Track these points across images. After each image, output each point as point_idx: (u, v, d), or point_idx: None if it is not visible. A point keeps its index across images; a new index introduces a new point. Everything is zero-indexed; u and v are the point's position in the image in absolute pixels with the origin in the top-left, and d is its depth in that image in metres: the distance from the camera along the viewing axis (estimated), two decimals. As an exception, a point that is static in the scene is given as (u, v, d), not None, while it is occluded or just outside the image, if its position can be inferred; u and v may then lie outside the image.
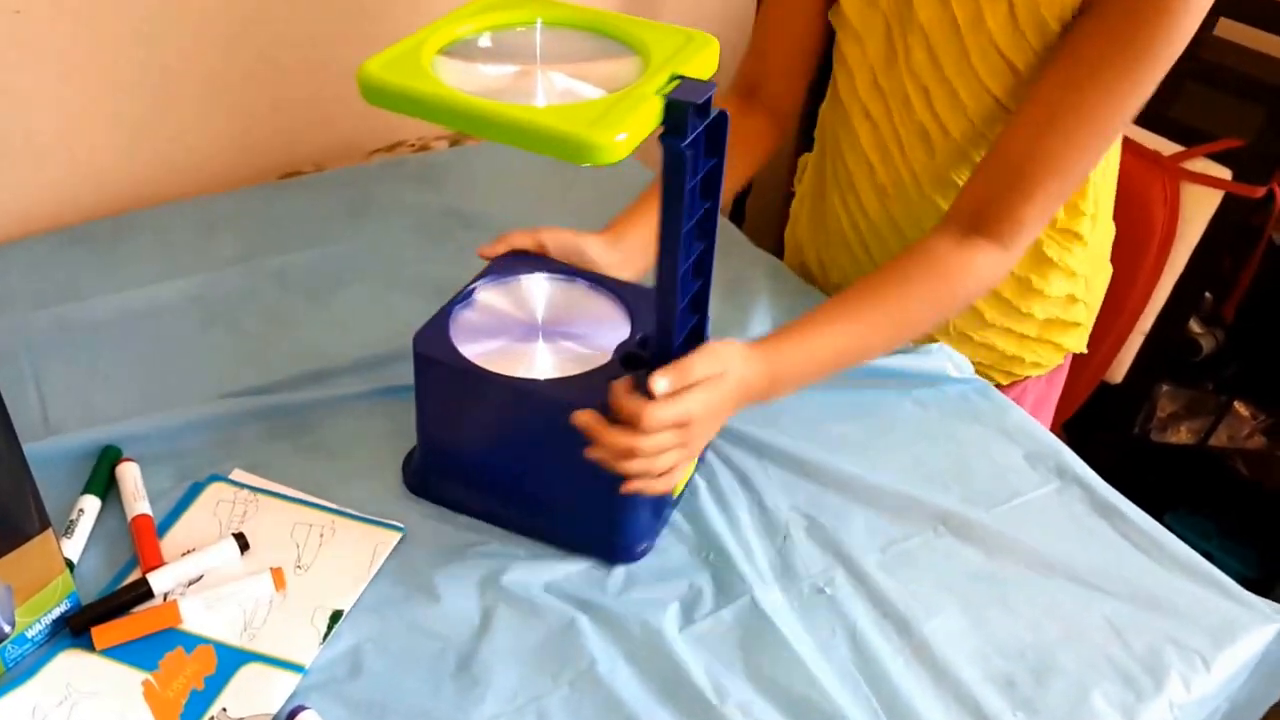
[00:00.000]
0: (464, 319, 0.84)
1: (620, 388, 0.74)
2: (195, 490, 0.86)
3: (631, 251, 0.92)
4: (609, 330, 0.84)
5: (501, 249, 0.89)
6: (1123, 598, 0.85)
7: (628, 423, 0.73)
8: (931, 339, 1.08)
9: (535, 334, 0.84)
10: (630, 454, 0.73)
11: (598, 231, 0.93)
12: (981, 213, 0.89)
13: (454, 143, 1.47)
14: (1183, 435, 1.51)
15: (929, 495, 0.92)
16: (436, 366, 0.81)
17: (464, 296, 0.86)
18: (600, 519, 0.83)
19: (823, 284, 1.18)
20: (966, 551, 0.88)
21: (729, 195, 0.98)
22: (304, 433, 0.92)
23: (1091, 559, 0.88)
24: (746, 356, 0.79)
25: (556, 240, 0.89)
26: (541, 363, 0.81)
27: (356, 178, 1.32)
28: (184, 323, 1.05)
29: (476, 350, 0.81)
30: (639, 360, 0.80)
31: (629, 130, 0.61)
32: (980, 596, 0.84)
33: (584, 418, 0.74)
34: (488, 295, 0.87)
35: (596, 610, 0.79)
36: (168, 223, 1.19)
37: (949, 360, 1.04)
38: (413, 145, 1.45)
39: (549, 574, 0.82)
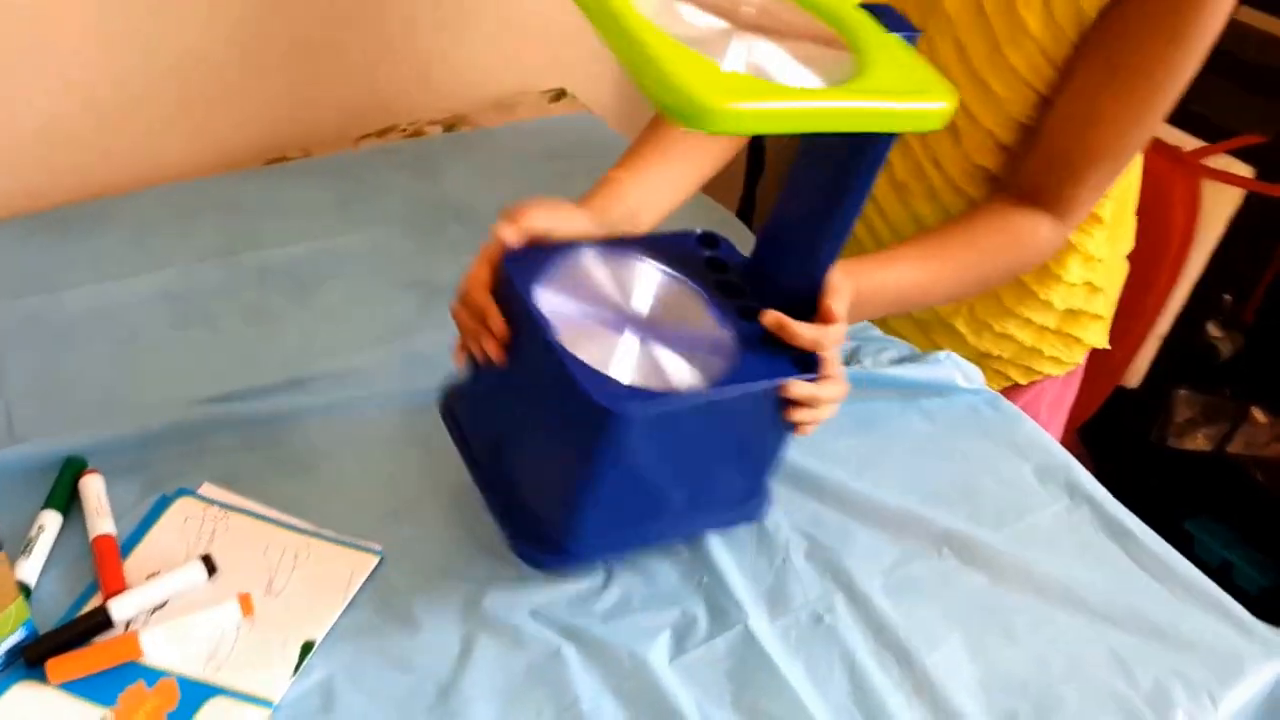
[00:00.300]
0: (572, 345, 0.69)
1: (815, 333, 0.72)
2: (162, 505, 0.82)
3: (618, 223, 0.85)
4: (683, 293, 0.77)
5: (524, 226, 0.75)
6: (1130, 628, 0.81)
7: (832, 348, 0.73)
8: (952, 327, 1.05)
9: (625, 320, 0.73)
10: (842, 395, 0.75)
11: (585, 204, 0.84)
12: (1035, 193, 0.90)
13: (448, 128, 1.42)
14: (1200, 442, 1.46)
15: (934, 513, 0.88)
16: (645, 424, 0.68)
17: (536, 319, 0.70)
18: (755, 482, 0.82)
19: None
20: (971, 576, 0.84)
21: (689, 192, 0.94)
22: (280, 444, 0.88)
23: (1099, 585, 0.83)
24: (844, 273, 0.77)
25: (570, 226, 0.79)
26: (674, 356, 0.71)
27: (345, 165, 1.27)
28: (158, 321, 1.00)
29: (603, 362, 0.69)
30: (751, 310, 0.75)
31: (946, 85, 0.60)
32: (984, 625, 0.80)
33: (804, 388, 0.72)
34: (558, 302, 0.72)
35: (583, 639, 0.75)
36: (145, 210, 1.14)
37: (958, 370, 0.99)
38: (404, 130, 1.40)
39: (535, 598, 0.78)
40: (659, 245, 0.80)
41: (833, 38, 0.65)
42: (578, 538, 0.75)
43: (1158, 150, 1.32)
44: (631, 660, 0.74)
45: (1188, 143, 1.34)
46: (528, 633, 0.75)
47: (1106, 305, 1.08)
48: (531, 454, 0.77)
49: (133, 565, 0.77)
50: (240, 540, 0.80)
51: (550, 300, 0.72)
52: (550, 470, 0.75)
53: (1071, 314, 1.05)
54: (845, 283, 0.74)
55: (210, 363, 0.96)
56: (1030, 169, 0.90)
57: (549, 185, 1.24)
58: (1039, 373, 1.09)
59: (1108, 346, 1.10)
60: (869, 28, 0.64)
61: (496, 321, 0.72)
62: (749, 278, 0.78)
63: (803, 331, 0.72)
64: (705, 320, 0.75)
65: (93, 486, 0.81)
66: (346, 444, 0.88)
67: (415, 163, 1.29)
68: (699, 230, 0.82)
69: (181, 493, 0.83)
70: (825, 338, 0.72)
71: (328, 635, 0.74)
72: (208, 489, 0.83)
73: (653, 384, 0.69)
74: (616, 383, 0.67)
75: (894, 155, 0.99)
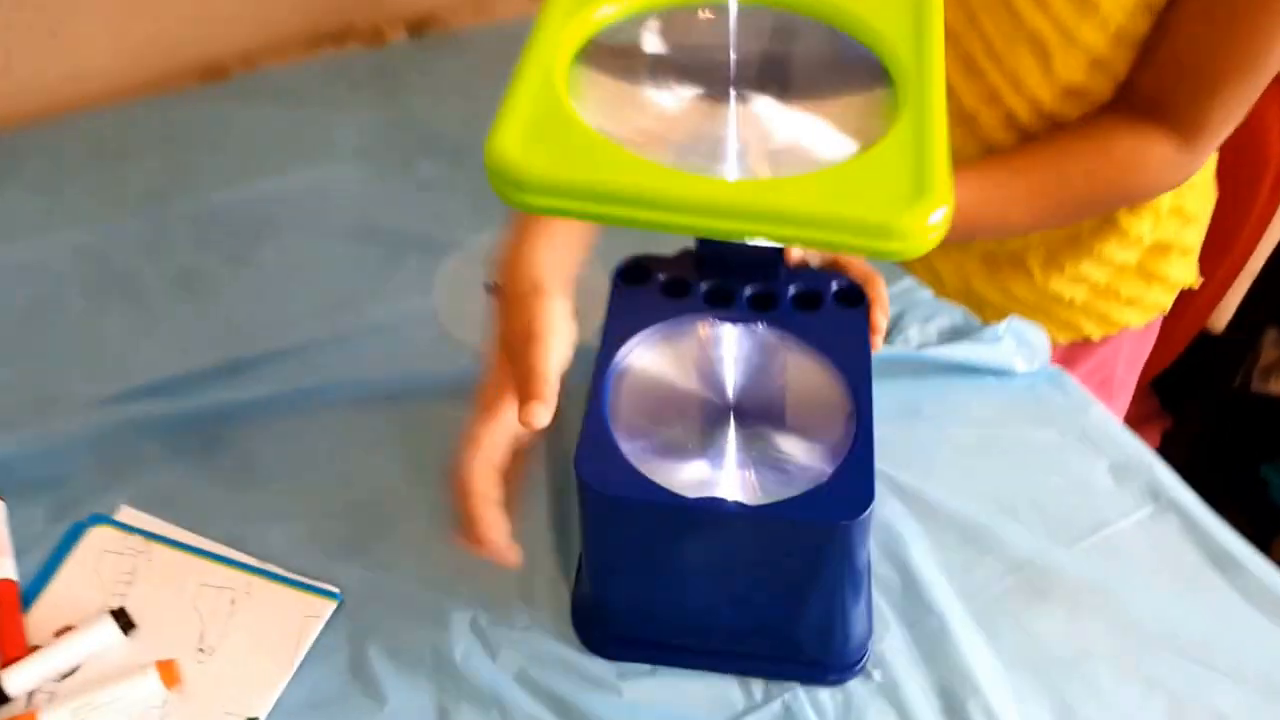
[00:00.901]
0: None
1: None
2: (74, 535, 0.68)
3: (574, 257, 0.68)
4: (718, 345, 0.65)
5: (549, 397, 0.58)
6: (1233, 676, 0.68)
7: None
8: (1023, 262, 0.91)
9: (724, 409, 0.61)
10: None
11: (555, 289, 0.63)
12: (1159, 105, 0.78)
13: (414, 30, 1.23)
14: (1284, 385, 1.32)
15: (998, 528, 0.74)
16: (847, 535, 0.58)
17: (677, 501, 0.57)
18: None
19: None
20: (1047, 613, 0.70)
21: None
22: (217, 449, 0.74)
23: (1195, 621, 0.70)
24: None
25: (569, 340, 0.61)
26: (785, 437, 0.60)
27: (295, 82, 1.10)
28: (70, 289, 0.85)
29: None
30: (761, 298, 0.65)
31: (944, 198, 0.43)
32: (1064, 677, 0.66)
33: (882, 318, 0.67)
34: (649, 463, 0.59)
35: (581, 717, 0.62)
36: (53, 147, 0.98)
37: (1018, 353, 0.84)
38: (362, 34, 1.21)
39: (521, 654, 0.64)
40: (624, 320, 0.64)
41: (845, 49, 0.51)
42: (849, 637, 0.65)
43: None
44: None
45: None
46: (514, 704, 0.62)
47: (1197, 235, 0.94)
48: (755, 606, 0.64)
49: (38, 616, 0.64)
50: (166, 581, 0.66)
51: (643, 463, 0.58)
52: (788, 604, 0.63)
53: (1159, 248, 0.91)
54: None
55: (132, 344, 0.81)
56: (1152, 79, 0.78)
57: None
58: (1116, 323, 0.95)
59: (1195, 284, 0.95)
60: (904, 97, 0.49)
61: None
62: (712, 267, 0.65)
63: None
64: (759, 351, 0.64)
65: (-14, 516, 0.67)
66: (294, 450, 0.74)
67: (376, 79, 1.11)
68: (617, 267, 0.67)
69: (96, 520, 0.68)
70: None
71: (274, 709, 0.61)
72: (126, 513, 0.69)
73: (794, 457, 0.59)
74: (812, 489, 0.57)
75: (958, 81, 0.83)
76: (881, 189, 0.42)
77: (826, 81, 0.51)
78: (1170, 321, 1.00)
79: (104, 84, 1.08)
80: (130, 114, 1.02)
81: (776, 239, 0.44)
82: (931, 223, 0.41)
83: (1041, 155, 0.79)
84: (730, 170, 0.46)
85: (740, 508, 0.56)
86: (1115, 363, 0.98)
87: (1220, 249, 0.97)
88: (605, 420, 0.58)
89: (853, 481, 0.57)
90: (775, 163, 0.46)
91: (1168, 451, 0.81)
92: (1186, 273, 0.94)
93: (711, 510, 0.56)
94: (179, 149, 0.99)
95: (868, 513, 0.56)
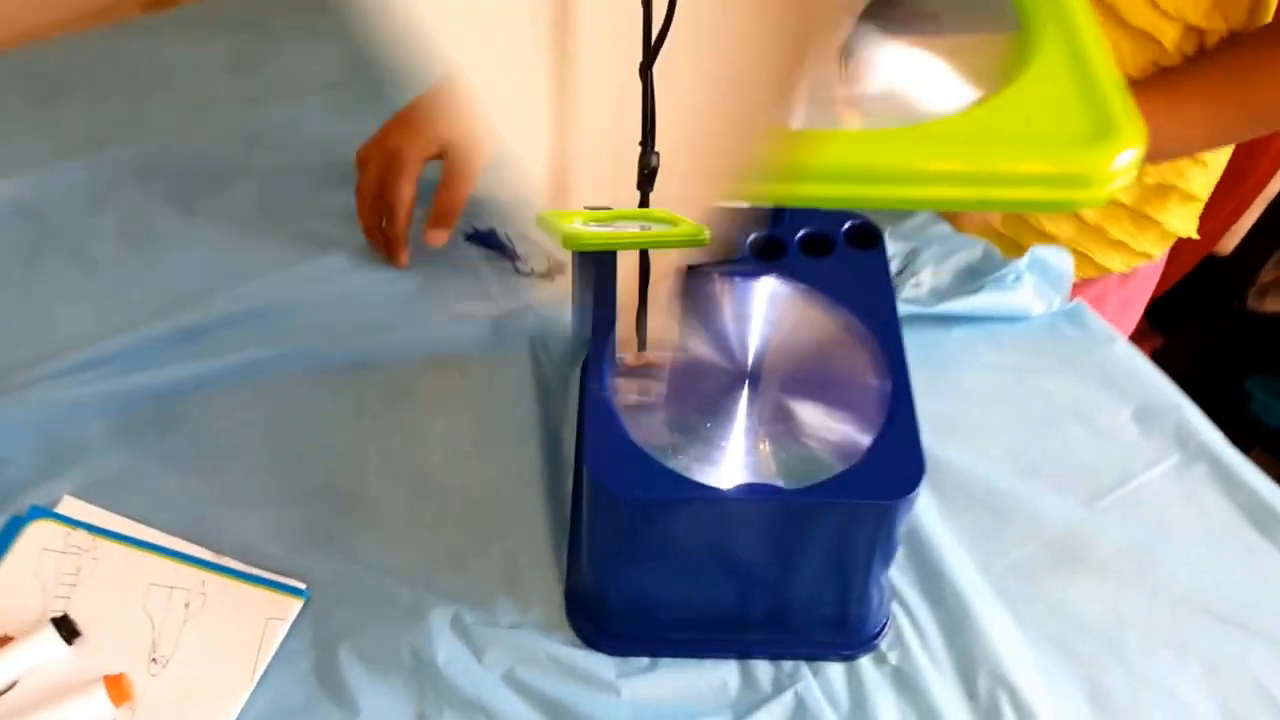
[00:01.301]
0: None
1: None
2: (12, 531, 0.62)
3: None
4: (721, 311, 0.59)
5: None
6: (1272, 640, 0.63)
7: None
8: (1040, 231, 0.86)
9: (739, 377, 0.55)
10: None
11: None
12: None
13: (379, -52, 1.14)
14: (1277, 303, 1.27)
15: (1018, 488, 0.69)
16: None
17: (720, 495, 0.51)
18: None
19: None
20: (1071, 579, 0.65)
21: None
22: (167, 427, 0.67)
23: (1229, 580, 0.65)
24: None
25: None
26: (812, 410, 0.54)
27: (249, 10, 1.01)
28: (5, 247, 0.77)
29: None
30: (771, 243, 0.59)
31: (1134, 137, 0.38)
32: (1093, 648, 0.62)
33: None
34: (657, 437, 0.53)
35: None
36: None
37: (1037, 295, 0.77)
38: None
39: (508, 651, 0.59)
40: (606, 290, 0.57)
41: None
42: (869, 613, 0.60)
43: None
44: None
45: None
46: (502, 709, 0.57)
47: (1205, 181, 0.86)
48: (778, 590, 0.58)
49: (-27, 623, 0.58)
50: (114, 582, 0.60)
51: (656, 446, 0.51)
52: (813, 586, 0.58)
53: (1159, 190, 0.84)
54: None
55: (71, 310, 0.74)
56: None
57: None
58: (1099, 267, 0.89)
59: (1195, 235, 0.88)
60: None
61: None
62: None
63: None
64: (771, 307, 0.58)
65: (-88, 514, 0.60)
66: (255, 428, 0.68)
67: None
68: None
69: (35, 513, 0.62)
70: None
71: (236, 724, 0.56)
72: (69, 505, 0.63)
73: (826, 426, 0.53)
74: (855, 467, 0.51)
75: None
76: (1057, 135, 0.37)
77: (934, 20, 0.45)
78: (1180, 244, 0.93)
79: (32, 15, 0.99)
80: (63, 49, 0.94)
81: (939, 204, 0.39)
82: (1119, 166, 0.36)
83: (1211, 74, 0.74)
84: (808, 117, 0.39)
85: (781, 494, 0.50)
86: (1101, 308, 0.92)
87: (1235, 180, 0.91)
88: (610, 407, 0.52)
89: (898, 453, 0.51)
90: (867, 110, 0.40)
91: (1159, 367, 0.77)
92: (1185, 223, 0.87)
93: (747, 501, 0.50)
94: (120, 88, 0.90)
95: (920, 487, 0.50)
